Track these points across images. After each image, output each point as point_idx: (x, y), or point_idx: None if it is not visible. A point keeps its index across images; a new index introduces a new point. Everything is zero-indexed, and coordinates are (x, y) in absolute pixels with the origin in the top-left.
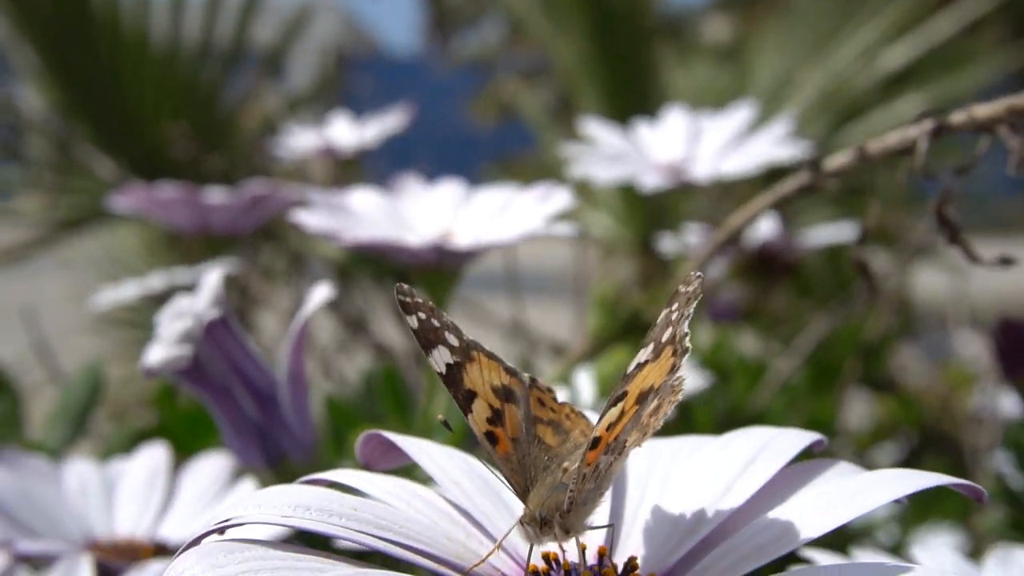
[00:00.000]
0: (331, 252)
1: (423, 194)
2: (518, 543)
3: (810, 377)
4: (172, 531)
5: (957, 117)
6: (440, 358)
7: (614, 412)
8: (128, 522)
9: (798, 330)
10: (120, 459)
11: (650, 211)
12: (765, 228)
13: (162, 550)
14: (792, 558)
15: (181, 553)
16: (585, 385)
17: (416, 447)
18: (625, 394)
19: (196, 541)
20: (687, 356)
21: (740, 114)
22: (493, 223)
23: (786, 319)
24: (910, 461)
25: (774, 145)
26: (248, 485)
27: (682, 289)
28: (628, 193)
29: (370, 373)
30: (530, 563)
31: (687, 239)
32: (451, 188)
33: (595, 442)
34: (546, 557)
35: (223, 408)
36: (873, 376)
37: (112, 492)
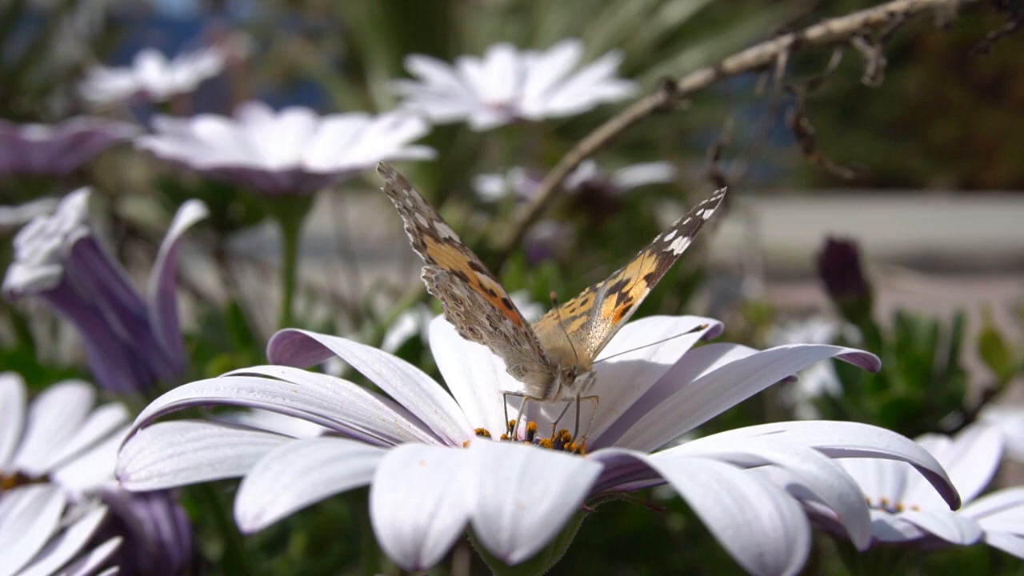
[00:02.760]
0: (144, 212)
1: (270, 124)
2: (446, 427)
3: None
4: (31, 462)
5: (814, 31)
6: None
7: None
8: None
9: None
10: None
11: (444, 167)
12: (582, 171)
13: (24, 480)
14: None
15: (130, 437)
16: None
17: (336, 343)
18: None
19: (141, 426)
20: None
21: (564, 55)
22: (347, 150)
23: (589, 267)
24: None
25: (599, 84)
26: (111, 414)
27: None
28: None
29: (211, 311)
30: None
31: (515, 182)
32: (299, 118)
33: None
34: (480, 432)
35: (91, 330)
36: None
37: None
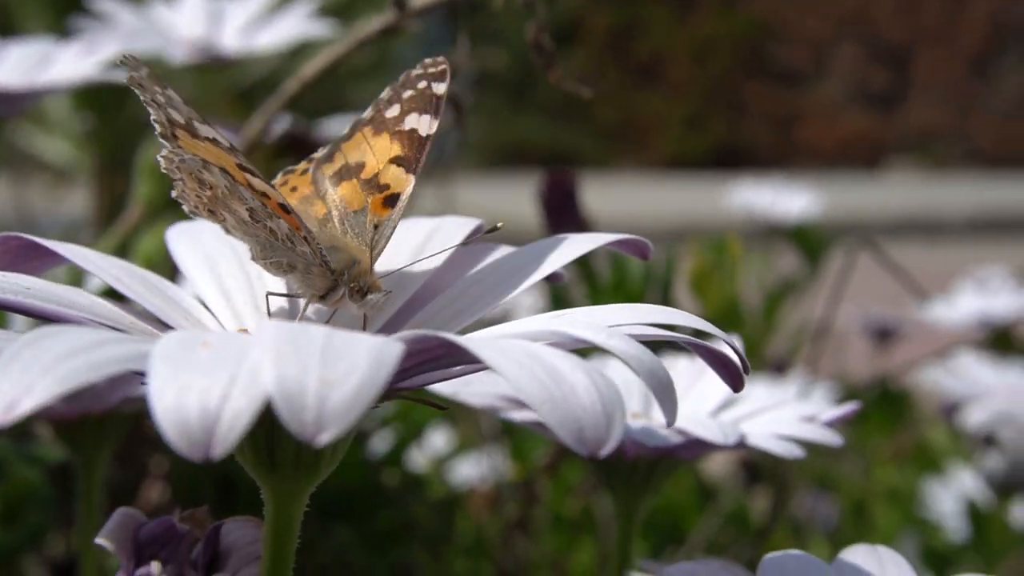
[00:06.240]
0: None
1: None
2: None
3: None
4: None
5: None
6: None
7: None
8: None
9: None
10: None
11: (114, 134)
12: (280, 122)
13: None
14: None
15: None
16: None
17: (65, 248)
18: None
19: None
20: None
21: None
22: (39, 73)
23: None
24: None
25: (302, 22)
26: None
27: None
28: (85, 115)
29: None
30: None
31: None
32: None
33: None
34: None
35: None
36: None
37: None
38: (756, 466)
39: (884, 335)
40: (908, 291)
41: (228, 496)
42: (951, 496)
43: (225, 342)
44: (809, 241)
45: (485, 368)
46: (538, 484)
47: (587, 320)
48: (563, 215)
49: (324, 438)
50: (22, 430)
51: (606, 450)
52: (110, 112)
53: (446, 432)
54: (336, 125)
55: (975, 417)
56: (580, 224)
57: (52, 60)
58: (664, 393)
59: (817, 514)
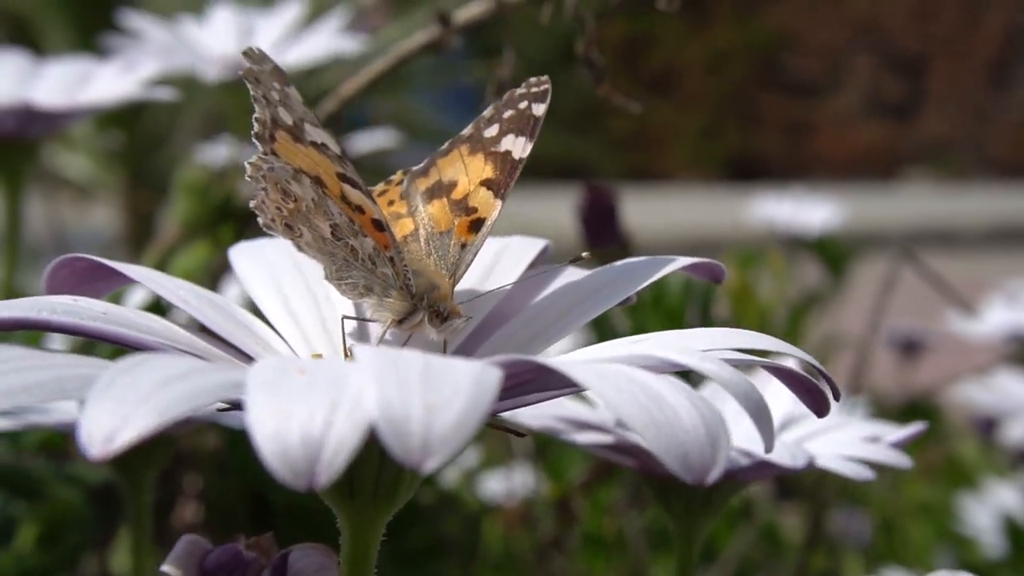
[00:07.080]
0: None
1: None
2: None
3: None
4: None
5: None
6: None
7: None
8: None
9: None
10: None
11: (137, 151)
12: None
13: None
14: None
15: None
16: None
17: (131, 268)
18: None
19: None
20: None
21: (290, 11)
22: (80, 91)
23: None
24: None
25: (333, 37)
26: None
27: None
28: (110, 132)
29: None
30: None
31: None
32: (15, 58)
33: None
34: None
35: None
36: None
37: None
38: (788, 482)
39: (910, 348)
40: (950, 303)
41: (261, 515)
42: (987, 511)
43: (322, 368)
44: (832, 253)
45: (569, 393)
46: (574, 503)
47: (677, 343)
48: (602, 230)
49: (430, 464)
50: (62, 450)
51: (712, 476)
52: (129, 129)
53: (474, 447)
54: (365, 141)
55: (1016, 432)
56: (619, 239)
57: (91, 78)
58: (762, 417)
59: (850, 530)
